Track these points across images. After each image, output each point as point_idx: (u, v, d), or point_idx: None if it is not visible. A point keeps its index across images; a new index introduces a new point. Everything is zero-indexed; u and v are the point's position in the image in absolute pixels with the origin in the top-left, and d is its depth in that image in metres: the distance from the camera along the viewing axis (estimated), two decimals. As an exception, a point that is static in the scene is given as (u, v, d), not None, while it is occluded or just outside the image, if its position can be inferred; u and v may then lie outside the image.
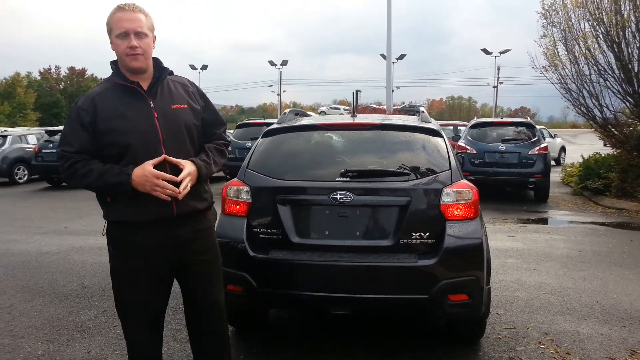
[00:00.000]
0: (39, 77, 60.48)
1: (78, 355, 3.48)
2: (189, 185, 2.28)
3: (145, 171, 2.18)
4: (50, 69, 62.23)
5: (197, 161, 2.37)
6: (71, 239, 7.28)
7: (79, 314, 4.25)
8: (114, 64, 2.37)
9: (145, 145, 2.25)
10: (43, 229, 8.02)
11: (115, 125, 2.23)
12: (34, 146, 14.98)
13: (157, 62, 2.40)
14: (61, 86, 61.44)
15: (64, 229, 8.01)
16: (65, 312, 4.30)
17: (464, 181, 3.25)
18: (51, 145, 14.09)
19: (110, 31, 2.28)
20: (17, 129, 22.34)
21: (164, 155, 2.25)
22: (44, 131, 16.81)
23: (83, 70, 62.98)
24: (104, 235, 2.42)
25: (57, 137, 14.62)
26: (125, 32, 2.24)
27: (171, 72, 2.46)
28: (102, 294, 4.75)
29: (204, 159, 2.42)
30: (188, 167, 2.30)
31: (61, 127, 15.65)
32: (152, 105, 2.32)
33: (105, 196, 2.33)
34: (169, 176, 2.22)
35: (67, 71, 62.51)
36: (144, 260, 2.32)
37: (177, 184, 2.24)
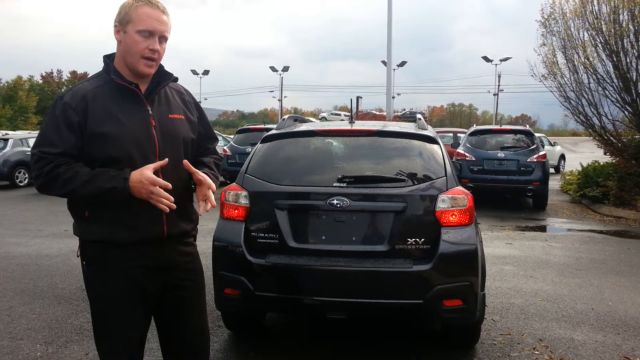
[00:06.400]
0: (40, 81, 60.73)
1: (76, 358, 3.51)
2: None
3: (143, 176, 1.88)
4: (52, 72, 62.50)
5: (212, 176, 2.13)
6: (71, 242, 7.29)
7: (78, 317, 4.28)
8: (108, 58, 2.08)
9: (140, 157, 1.96)
10: (43, 232, 8.06)
11: (108, 130, 1.94)
12: (35, 150, 14.99)
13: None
14: (63, 90, 61.71)
15: (63, 232, 8.03)
16: (64, 315, 4.33)
17: (460, 188, 3.30)
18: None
19: (127, 22, 1.97)
20: (18, 132, 22.35)
21: (166, 160, 1.97)
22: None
23: (85, 75, 63.12)
24: (78, 256, 2.09)
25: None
26: (151, 32, 1.97)
27: (176, 79, 2.18)
28: (101, 297, 4.77)
29: (214, 174, 2.19)
30: (209, 182, 2.07)
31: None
32: (150, 112, 2.05)
33: (82, 210, 2.00)
34: (164, 182, 1.91)
35: (69, 75, 62.67)
36: (127, 286, 2.01)
37: (170, 193, 1.94)
